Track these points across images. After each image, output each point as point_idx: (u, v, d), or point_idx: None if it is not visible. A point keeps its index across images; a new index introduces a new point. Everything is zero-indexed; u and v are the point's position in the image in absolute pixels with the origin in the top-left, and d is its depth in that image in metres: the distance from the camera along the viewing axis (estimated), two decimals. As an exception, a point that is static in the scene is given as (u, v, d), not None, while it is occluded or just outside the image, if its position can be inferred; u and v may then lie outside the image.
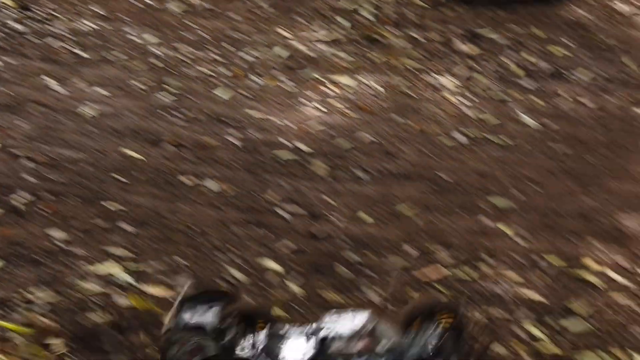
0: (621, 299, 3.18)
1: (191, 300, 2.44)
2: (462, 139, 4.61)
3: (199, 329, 2.35)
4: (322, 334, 2.42)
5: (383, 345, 2.40)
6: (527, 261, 3.43)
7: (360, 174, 4.01)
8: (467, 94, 5.22)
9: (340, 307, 2.86)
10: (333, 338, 2.41)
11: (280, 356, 2.38)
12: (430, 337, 2.39)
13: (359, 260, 3.28)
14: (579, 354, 2.86)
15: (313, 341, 2.41)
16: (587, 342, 2.91)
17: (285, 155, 4.04)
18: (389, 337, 2.42)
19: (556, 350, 2.85)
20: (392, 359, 2.40)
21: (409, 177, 4.10)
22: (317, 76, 4.96)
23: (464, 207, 3.85)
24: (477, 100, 5.14)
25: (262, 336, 2.42)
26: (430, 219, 3.70)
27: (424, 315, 2.49)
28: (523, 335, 2.92)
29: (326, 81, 5.01)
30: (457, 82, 5.37)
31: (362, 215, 3.62)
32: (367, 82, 5.15)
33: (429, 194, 3.95)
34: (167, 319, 2.41)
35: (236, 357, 2.35)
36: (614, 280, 3.30)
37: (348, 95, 4.92)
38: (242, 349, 2.37)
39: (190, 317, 2.37)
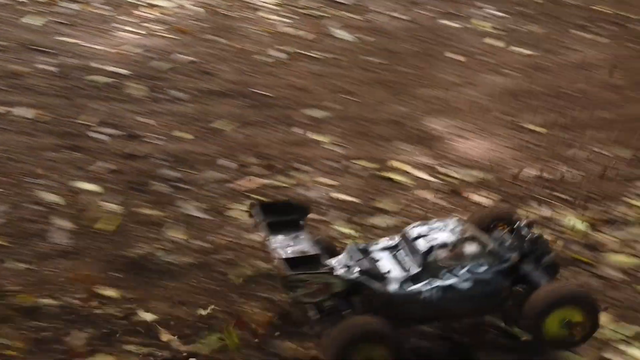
0: (425, 194, 3.39)
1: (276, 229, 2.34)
2: (280, 56, 4.72)
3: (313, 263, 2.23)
4: (421, 245, 2.36)
5: (484, 249, 2.38)
6: (340, 166, 3.60)
7: (178, 94, 4.05)
8: (285, 12, 5.31)
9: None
10: (434, 247, 2.36)
11: (387, 272, 2.32)
12: (518, 239, 2.41)
13: (177, 176, 3.34)
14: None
15: (417, 255, 2.34)
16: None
17: (101, 79, 4.03)
18: (485, 240, 2.41)
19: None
20: (496, 261, 2.37)
21: (227, 94, 4.18)
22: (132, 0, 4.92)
23: (281, 120, 3.97)
24: (295, 18, 5.25)
25: (358, 257, 2.35)
26: (248, 133, 3.80)
27: (493, 223, 2.54)
28: (336, 234, 3.08)
29: (142, 4, 4.98)
30: (276, 1, 5.45)
31: (180, 133, 3.68)
32: (185, 4, 5.15)
33: (246, 109, 4.04)
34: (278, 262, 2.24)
35: (362, 285, 2.25)
36: (419, 178, 3.51)
37: (166, 18, 4.92)
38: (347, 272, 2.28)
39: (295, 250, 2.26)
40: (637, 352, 2.48)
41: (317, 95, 4.31)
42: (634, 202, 3.31)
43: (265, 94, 4.22)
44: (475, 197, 3.36)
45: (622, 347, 2.50)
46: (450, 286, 2.28)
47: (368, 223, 3.17)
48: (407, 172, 3.56)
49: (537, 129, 4.03)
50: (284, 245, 2.27)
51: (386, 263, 2.36)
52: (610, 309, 2.62)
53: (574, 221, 3.17)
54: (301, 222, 2.39)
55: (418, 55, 4.91)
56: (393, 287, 2.26)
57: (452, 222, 2.46)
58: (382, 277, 2.27)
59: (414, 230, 2.42)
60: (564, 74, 4.73)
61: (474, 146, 3.85)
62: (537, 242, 2.38)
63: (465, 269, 2.30)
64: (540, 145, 3.86)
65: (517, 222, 2.45)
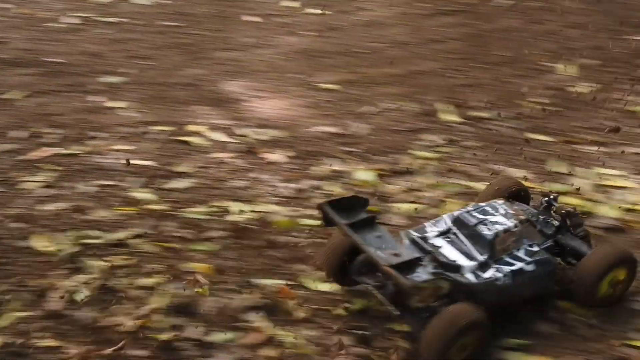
0: (222, 155, 3.45)
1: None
2: (74, 22, 4.62)
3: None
4: (486, 231, 2.34)
5: (534, 229, 2.42)
6: (137, 132, 3.59)
7: (-36, 64, 3.90)
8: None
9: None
10: (499, 233, 2.36)
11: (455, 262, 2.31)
12: (556, 216, 2.48)
13: (-35, 150, 3.24)
14: (185, 210, 3.09)
15: (484, 241, 2.33)
16: (191, 198, 3.14)
17: None
18: (534, 221, 2.43)
19: (164, 207, 3.06)
20: (542, 239, 2.43)
21: (18, 63, 4.06)
22: None
23: (75, 87, 3.91)
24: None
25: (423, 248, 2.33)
26: (40, 102, 3.72)
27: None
28: (133, 200, 3.09)
29: None
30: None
31: (-33, 105, 3.56)
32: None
33: (38, 77, 3.95)
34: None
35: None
36: (216, 140, 3.57)
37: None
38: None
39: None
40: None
41: (113, 61, 4.26)
42: (417, 152, 3.51)
43: (58, 62, 4.14)
44: (271, 156, 3.46)
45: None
46: (519, 270, 2.32)
47: (166, 187, 3.20)
48: (204, 135, 3.60)
49: (330, 86, 4.16)
50: (380, 249, 2.24)
51: (448, 251, 2.35)
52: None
53: (364, 174, 3.33)
54: (376, 219, 2.38)
55: (215, 18, 4.94)
56: (470, 277, 2.28)
57: (500, 204, 2.48)
58: (457, 268, 2.28)
59: (469, 215, 2.41)
60: (355, 32, 4.89)
61: (269, 106, 3.94)
62: (571, 216, 2.48)
63: (523, 251, 2.36)
64: (333, 102, 4.00)
65: (549, 198, 2.52)
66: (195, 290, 2.59)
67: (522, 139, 3.63)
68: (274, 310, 2.53)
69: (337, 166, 3.39)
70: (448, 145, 3.59)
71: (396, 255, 2.20)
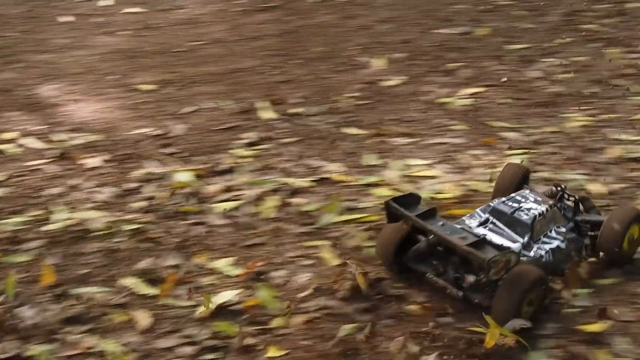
0: (37, 162, 3.39)
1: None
2: None
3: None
4: (524, 217, 2.58)
5: (560, 213, 2.68)
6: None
7: None
8: None
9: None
10: (536, 218, 2.59)
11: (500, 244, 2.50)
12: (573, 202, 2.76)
13: None
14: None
15: (524, 226, 2.56)
16: (5, 208, 3.07)
17: None
18: (559, 206, 2.70)
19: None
20: (565, 222, 2.69)
21: None
22: None
23: None
24: None
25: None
26: None
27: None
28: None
29: None
30: None
31: None
32: None
33: None
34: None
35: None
36: (30, 147, 3.50)
37: None
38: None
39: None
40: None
41: None
42: (236, 151, 3.57)
43: None
44: (88, 161, 3.43)
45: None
46: (557, 247, 2.59)
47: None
48: (18, 142, 3.53)
49: (149, 87, 4.16)
50: (452, 234, 2.45)
51: (492, 237, 2.56)
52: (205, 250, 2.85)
53: (183, 175, 3.36)
54: (436, 210, 2.58)
55: (27, 18, 4.81)
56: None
57: (528, 193, 2.71)
58: (506, 249, 2.46)
59: (504, 205, 2.63)
60: (173, 31, 4.91)
61: (86, 109, 3.90)
62: (584, 201, 2.78)
63: (554, 232, 2.63)
64: (151, 103, 4.00)
65: (561, 187, 2.77)
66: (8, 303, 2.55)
67: (338, 133, 3.76)
68: (92, 320, 2.52)
69: (156, 168, 3.40)
70: (266, 143, 3.67)
71: (463, 238, 2.44)
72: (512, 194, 2.72)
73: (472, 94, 4.05)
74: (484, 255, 2.35)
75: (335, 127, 3.82)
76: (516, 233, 2.57)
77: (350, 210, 3.10)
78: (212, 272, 2.74)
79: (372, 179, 3.32)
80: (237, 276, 2.70)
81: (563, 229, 2.66)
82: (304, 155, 3.57)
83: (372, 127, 3.79)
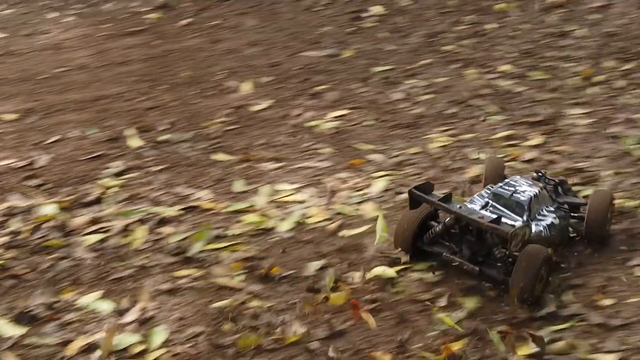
0: None
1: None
2: None
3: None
4: (521, 199, 2.85)
5: (548, 194, 3.01)
6: None
7: None
8: None
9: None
10: (532, 199, 2.87)
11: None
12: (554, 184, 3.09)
13: None
14: None
15: (522, 206, 2.83)
16: None
17: None
18: (546, 189, 3.02)
19: None
20: (551, 202, 3.00)
21: None
22: None
23: None
24: None
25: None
26: None
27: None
28: None
29: None
30: None
31: None
32: None
33: None
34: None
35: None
36: None
37: None
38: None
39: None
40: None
41: None
42: (102, 181, 3.53)
43: None
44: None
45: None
46: (551, 224, 2.90)
47: None
48: None
49: (11, 117, 4.06)
50: (471, 215, 2.69)
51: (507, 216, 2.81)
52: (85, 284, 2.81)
53: (48, 208, 3.29)
54: (451, 196, 2.80)
55: None
56: None
57: (519, 179, 2.98)
58: (512, 227, 2.69)
59: (502, 189, 2.90)
60: (36, 57, 4.81)
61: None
62: (562, 183, 3.11)
63: (545, 211, 2.93)
64: (13, 133, 3.91)
65: (542, 173, 3.12)
66: None
67: (207, 160, 3.77)
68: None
69: (20, 202, 3.33)
70: (134, 171, 3.65)
71: (481, 217, 2.68)
72: (507, 179, 3.01)
73: (338, 117, 4.13)
74: (507, 229, 2.64)
75: (204, 153, 3.83)
76: (515, 213, 2.85)
77: (220, 238, 3.12)
78: (79, 308, 2.70)
79: (241, 206, 3.34)
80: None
81: (551, 208, 2.98)
82: (173, 183, 3.56)
83: (241, 152, 3.82)
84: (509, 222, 2.77)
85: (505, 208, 2.86)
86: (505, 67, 4.60)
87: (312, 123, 4.09)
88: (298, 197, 3.40)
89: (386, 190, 3.40)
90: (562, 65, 4.59)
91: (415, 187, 2.82)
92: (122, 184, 3.53)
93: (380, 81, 4.55)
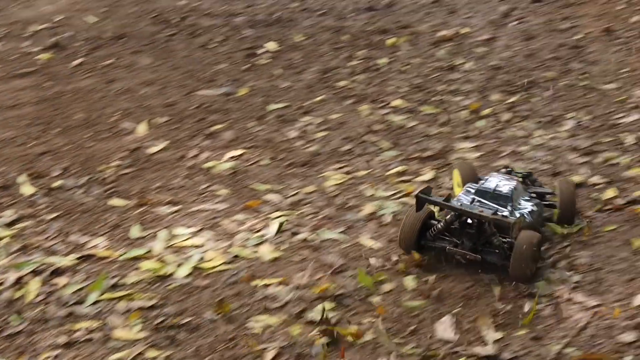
0: None
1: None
2: None
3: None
4: (504, 191, 3.22)
5: (523, 186, 3.41)
6: None
7: None
8: None
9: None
10: (513, 191, 3.24)
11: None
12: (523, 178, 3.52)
13: None
14: None
15: (506, 198, 3.21)
16: None
17: None
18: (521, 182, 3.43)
19: None
20: (526, 193, 3.38)
21: None
22: None
23: None
24: None
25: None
26: None
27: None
28: None
29: None
30: None
31: None
32: None
33: None
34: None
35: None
36: None
37: None
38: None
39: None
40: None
41: None
42: (-5, 232, 3.47)
43: None
44: None
45: None
46: (532, 210, 3.26)
47: None
48: None
49: None
50: (472, 210, 3.05)
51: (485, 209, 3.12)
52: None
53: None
54: (450, 196, 3.19)
55: None
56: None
57: (496, 175, 3.35)
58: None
59: (487, 184, 3.26)
60: None
61: None
62: (529, 175, 3.52)
63: (524, 200, 3.29)
64: None
65: (509, 168, 3.57)
66: None
67: (102, 205, 3.73)
68: None
69: None
70: (27, 220, 3.59)
71: (481, 212, 3.04)
72: (486, 177, 3.36)
73: (235, 157, 4.15)
74: (509, 220, 3.05)
75: (99, 199, 3.79)
76: (500, 205, 3.20)
77: (117, 287, 3.09)
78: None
79: (138, 252, 3.33)
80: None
81: (527, 197, 3.34)
82: (68, 231, 3.52)
83: (137, 196, 3.80)
84: (500, 212, 3.16)
85: (490, 200, 3.22)
86: (397, 102, 4.70)
87: (209, 164, 4.09)
88: (195, 241, 3.40)
89: (283, 231, 3.44)
90: (452, 99, 4.72)
91: (420, 192, 3.14)
92: (14, 234, 3.46)
93: (276, 119, 4.59)
